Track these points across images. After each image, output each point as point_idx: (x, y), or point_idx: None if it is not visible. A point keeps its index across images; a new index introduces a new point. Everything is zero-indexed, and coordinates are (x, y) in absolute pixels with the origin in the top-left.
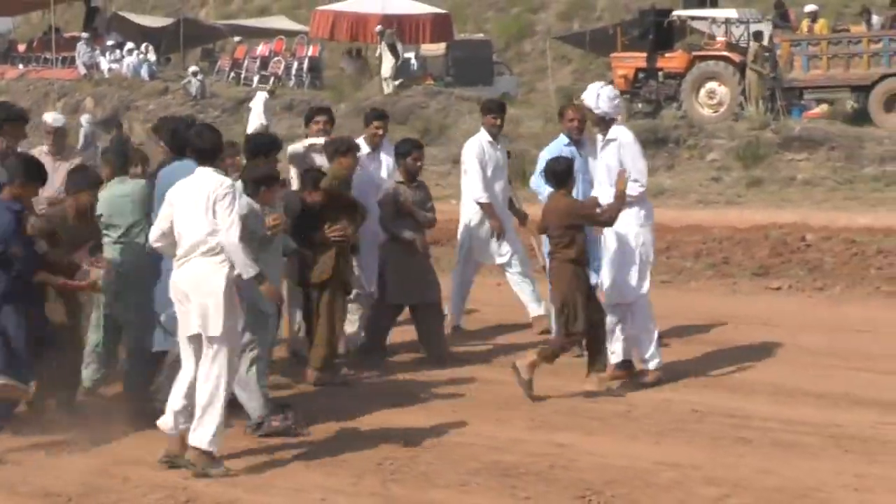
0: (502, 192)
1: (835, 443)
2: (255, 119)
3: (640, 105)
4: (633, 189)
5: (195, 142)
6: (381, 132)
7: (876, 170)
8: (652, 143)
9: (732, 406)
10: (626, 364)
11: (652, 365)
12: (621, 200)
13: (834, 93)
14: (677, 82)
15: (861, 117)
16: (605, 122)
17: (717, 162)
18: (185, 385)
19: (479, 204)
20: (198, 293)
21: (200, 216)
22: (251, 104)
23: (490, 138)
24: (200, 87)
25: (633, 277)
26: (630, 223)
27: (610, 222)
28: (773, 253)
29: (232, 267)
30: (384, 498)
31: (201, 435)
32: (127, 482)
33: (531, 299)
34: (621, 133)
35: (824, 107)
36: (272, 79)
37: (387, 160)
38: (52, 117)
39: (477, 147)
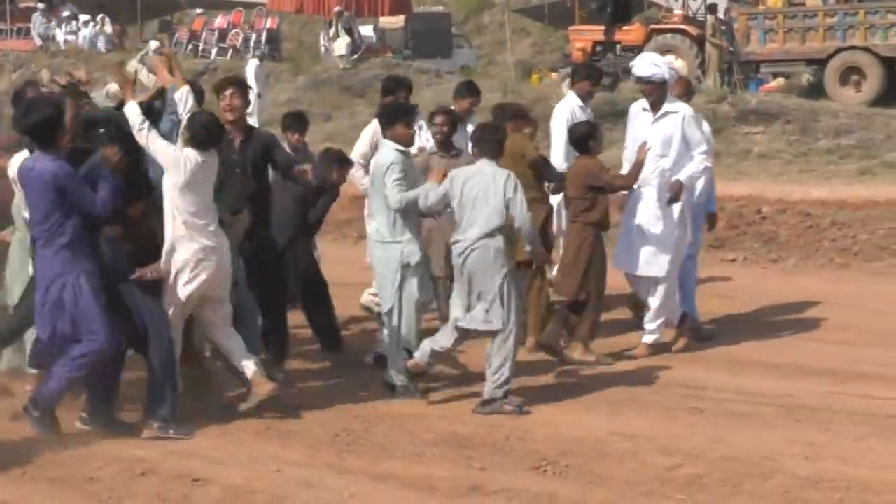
0: None
1: (787, 412)
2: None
3: None
4: (701, 163)
5: None
6: (474, 108)
7: (830, 143)
8: (610, 115)
9: (687, 377)
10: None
11: (647, 339)
12: (640, 167)
13: (790, 66)
14: (635, 55)
15: (817, 91)
16: (660, 92)
17: None
18: None
19: None
20: None
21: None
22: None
23: (581, 103)
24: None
25: (668, 254)
26: (685, 199)
27: (625, 186)
28: (728, 225)
29: None
30: (339, 469)
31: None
32: (84, 455)
33: None
34: (683, 106)
35: (780, 80)
36: (230, 51)
37: None
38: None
39: (567, 111)
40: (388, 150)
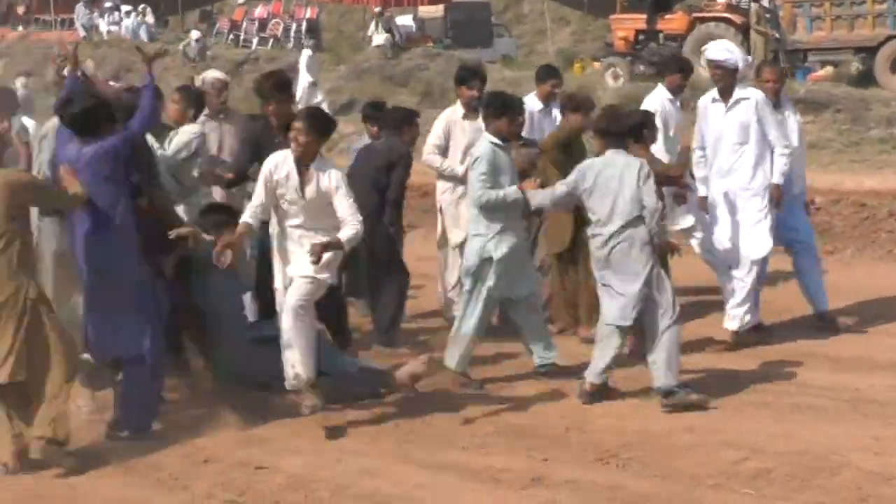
0: None
1: (852, 406)
2: (303, 77)
3: (642, 67)
4: (785, 159)
5: None
6: (556, 91)
7: (882, 132)
8: None
9: (748, 370)
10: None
11: (731, 325)
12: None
13: (838, 54)
14: (678, 44)
15: (866, 79)
16: (731, 80)
17: None
18: None
19: None
20: None
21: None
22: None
23: (671, 96)
24: (201, 49)
25: (768, 234)
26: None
27: (675, 177)
28: None
29: None
30: (401, 458)
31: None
32: (147, 443)
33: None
34: (754, 92)
35: (829, 69)
36: (271, 40)
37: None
38: (217, 73)
39: (658, 105)
40: (483, 143)
